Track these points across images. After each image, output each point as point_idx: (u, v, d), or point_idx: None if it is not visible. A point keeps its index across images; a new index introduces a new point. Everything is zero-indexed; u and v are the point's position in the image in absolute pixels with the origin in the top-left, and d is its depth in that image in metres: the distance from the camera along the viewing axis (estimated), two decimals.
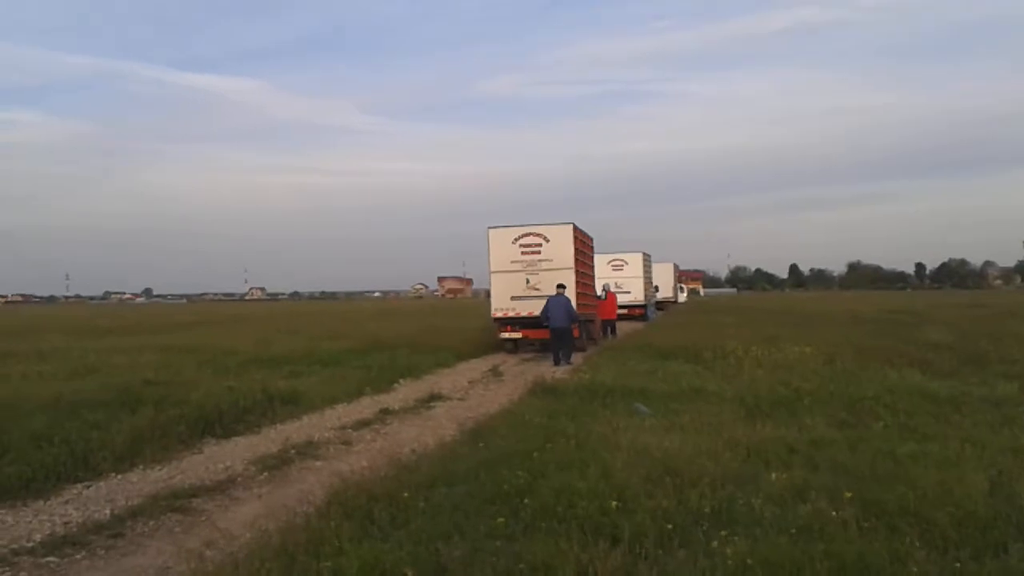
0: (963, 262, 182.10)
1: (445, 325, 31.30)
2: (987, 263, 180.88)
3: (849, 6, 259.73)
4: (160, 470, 8.38)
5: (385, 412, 11.82)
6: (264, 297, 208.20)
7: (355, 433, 10.30)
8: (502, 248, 21.19)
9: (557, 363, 18.39)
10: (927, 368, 14.04)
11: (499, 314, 21.23)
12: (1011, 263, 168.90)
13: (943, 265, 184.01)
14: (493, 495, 5.68)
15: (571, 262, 20.91)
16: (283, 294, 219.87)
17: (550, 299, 19.14)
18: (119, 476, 8.10)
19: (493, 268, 21.33)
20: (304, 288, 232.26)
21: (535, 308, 20.46)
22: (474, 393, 14.10)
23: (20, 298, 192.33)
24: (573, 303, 19.61)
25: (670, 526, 5.01)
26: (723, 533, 4.99)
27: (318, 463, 8.63)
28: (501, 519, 5.02)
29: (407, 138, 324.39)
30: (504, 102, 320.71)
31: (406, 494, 5.84)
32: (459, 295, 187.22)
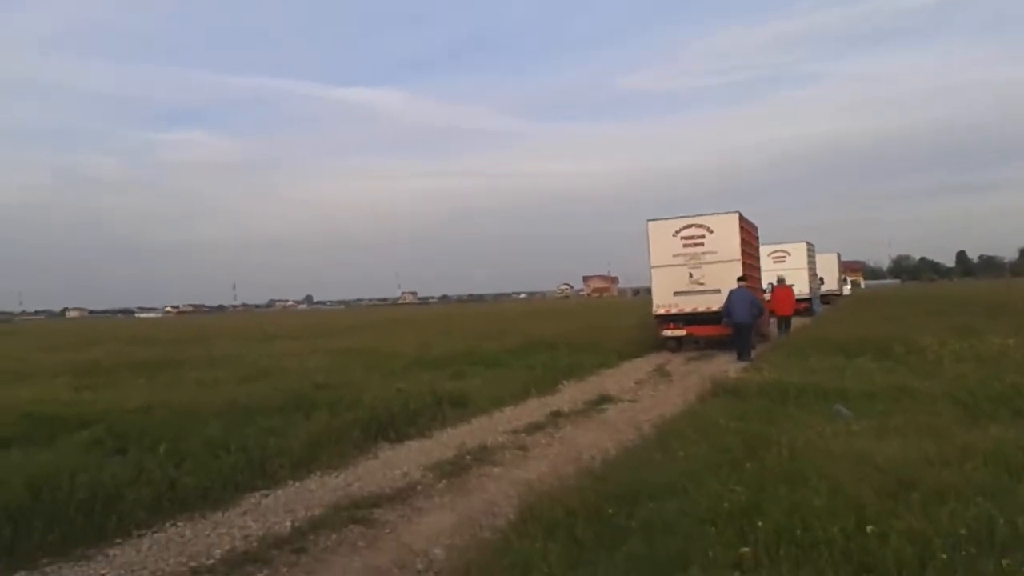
0: None
1: (599, 323, 30.59)
2: None
3: None
4: (337, 476, 8.17)
5: (556, 415, 11.31)
6: (416, 301, 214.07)
7: (528, 437, 9.82)
8: (662, 241, 20.28)
9: (740, 358, 17.59)
10: None
11: (661, 311, 20.33)
12: None
13: None
14: (712, 513, 4.98)
15: (737, 253, 19.75)
16: (433, 298, 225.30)
17: (732, 292, 18.21)
18: (297, 484, 7.93)
19: (653, 263, 20.47)
20: (453, 291, 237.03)
21: (699, 304, 19.54)
22: (644, 394, 13.38)
23: (191, 308, 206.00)
24: None
25: (944, 555, 4.17)
26: (1005, 563, 4.14)
27: (496, 470, 8.19)
28: (746, 548, 4.29)
29: (549, 138, 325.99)
30: (646, 96, 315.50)
31: (611, 510, 5.23)
32: (605, 294, 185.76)
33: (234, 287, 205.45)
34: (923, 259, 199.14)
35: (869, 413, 9.05)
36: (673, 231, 20.17)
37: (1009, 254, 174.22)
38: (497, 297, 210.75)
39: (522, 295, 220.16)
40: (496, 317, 46.59)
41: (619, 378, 15.89)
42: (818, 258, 41.82)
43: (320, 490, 7.66)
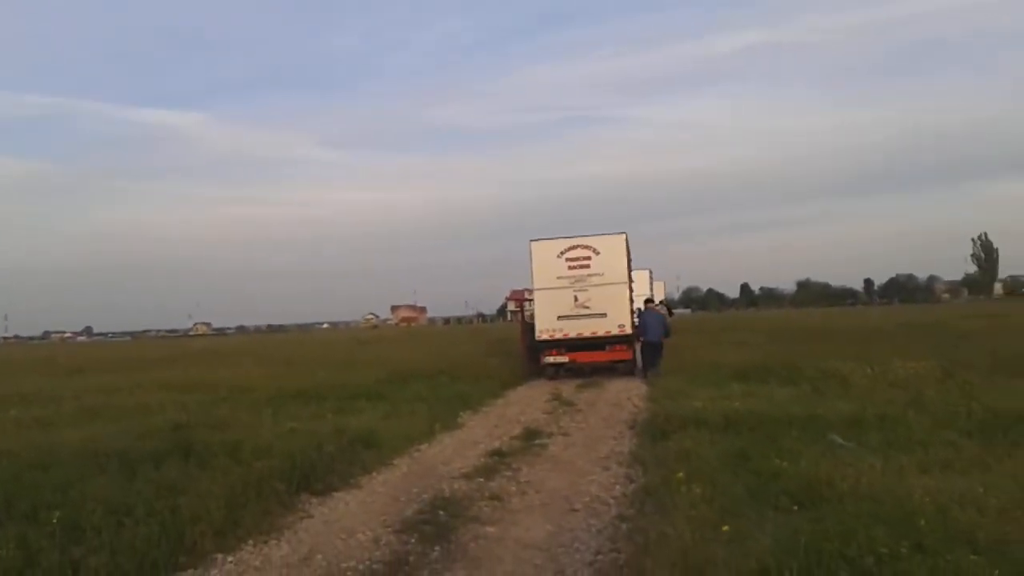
0: (911, 277, 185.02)
1: (448, 352, 29.11)
2: (932, 277, 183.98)
3: (793, 29, 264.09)
4: (279, 546, 6.31)
5: (497, 455, 9.76)
6: (210, 332, 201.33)
7: (491, 483, 8.23)
8: (546, 263, 19.17)
9: (646, 376, 18.05)
10: None
11: (545, 336, 19.12)
12: (956, 277, 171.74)
13: (891, 280, 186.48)
14: None
15: (625, 275, 19.04)
16: (230, 329, 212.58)
17: (644, 313, 18.75)
18: (230, 559, 6.02)
19: (537, 285, 19.31)
20: (250, 322, 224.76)
21: (584, 328, 18.60)
22: (568, 426, 12.07)
23: None
24: (629, 322, 18.15)
25: None
26: None
27: (489, 529, 6.56)
28: None
29: (356, 168, 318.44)
30: (453, 131, 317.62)
31: None
32: (413, 323, 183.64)
33: (5, 318, 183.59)
34: (710, 290, 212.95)
35: (865, 443, 8.27)
36: (558, 252, 19.13)
37: (789, 286, 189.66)
38: (300, 327, 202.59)
39: (325, 325, 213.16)
40: (323, 346, 43.95)
41: (520, 408, 14.57)
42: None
43: (269, 569, 5.75)
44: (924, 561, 4.05)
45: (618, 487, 7.80)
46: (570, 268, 18.99)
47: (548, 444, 10.48)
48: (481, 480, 8.35)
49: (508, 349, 27.09)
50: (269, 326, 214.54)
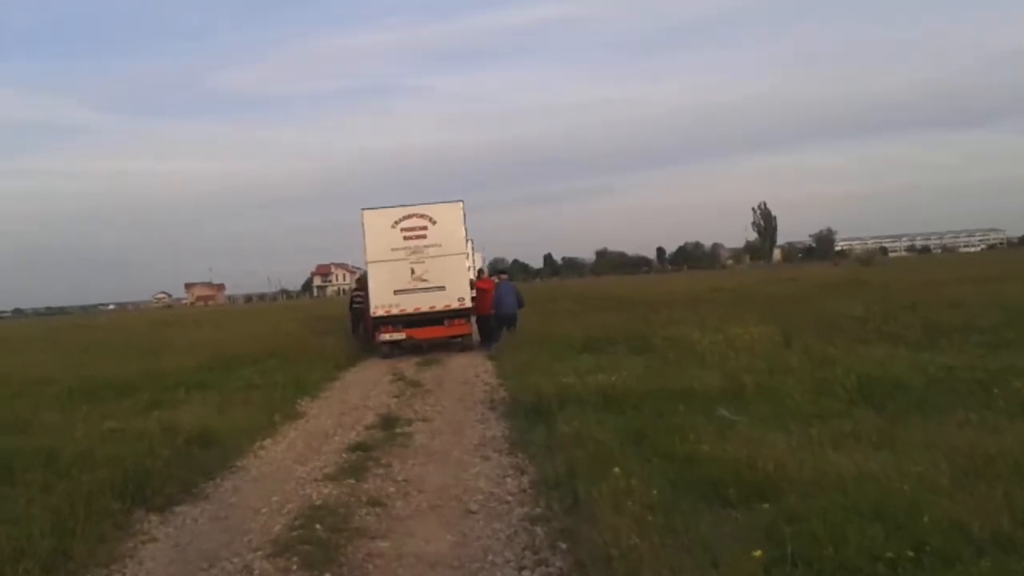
0: (698, 244, 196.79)
1: (267, 332, 27.14)
2: (716, 245, 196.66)
3: (587, 3, 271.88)
4: None
5: (360, 449, 8.72)
6: None
7: (365, 485, 7.22)
8: (380, 233, 17.94)
9: (489, 347, 18.19)
10: (900, 341, 13.05)
11: (380, 311, 17.90)
12: (738, 244, 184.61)
13: (680, 248, 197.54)
14: None
15: (463, 246, 18.23)
16: (5, 312, 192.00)
17: (500, 285, 18.85)
18: None
19: (370, 258, 18.05)
20: (26, 304, 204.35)
21: (423, 303, 17.70)
22: (426, 410, 11.16)
23: None
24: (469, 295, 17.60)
25: None
26: None
27: (381, 543, 5.61)
28: None
29: (136, 135, 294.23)
30: (240, 97, 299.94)
31: None
32: (210, 302, 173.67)
33: None
34: (515, 261, 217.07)
35: (754, 416, 8.02)
36: (392, 222, 17.94)
37: (588, 256, 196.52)
38: (84, 309, 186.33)
39: (111, 306, 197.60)
40: (119, 329, 40.19)
41: (362, 392, 13.53)
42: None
43: None
44: (945, 568, 3.59)
45: (509, 480, 7.04)
46: (406, 239, 17.92)
47: (412, 433, 9.55)
48: (352, 482, 7.31)
49: (331, 327, 25.70)
50: (49, 308, 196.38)
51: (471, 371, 15.28)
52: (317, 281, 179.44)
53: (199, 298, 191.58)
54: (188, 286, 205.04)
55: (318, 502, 6.70)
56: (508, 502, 6.39)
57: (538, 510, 6.05)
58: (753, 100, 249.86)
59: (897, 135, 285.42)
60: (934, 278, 32.96)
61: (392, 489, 7.02)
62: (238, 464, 8.41)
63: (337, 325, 25.70)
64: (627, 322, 19.46)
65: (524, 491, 6.63)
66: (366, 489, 7.04)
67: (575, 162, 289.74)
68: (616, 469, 5.44)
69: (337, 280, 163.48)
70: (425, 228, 17.97)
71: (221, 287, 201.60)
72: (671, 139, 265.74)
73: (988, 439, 6.13)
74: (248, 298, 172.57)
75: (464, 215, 18.33)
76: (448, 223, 18.08)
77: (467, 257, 18.41)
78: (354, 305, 20.97)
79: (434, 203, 18.41)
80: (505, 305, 18.40)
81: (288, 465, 8.27)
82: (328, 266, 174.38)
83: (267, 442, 9.51)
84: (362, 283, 20.12)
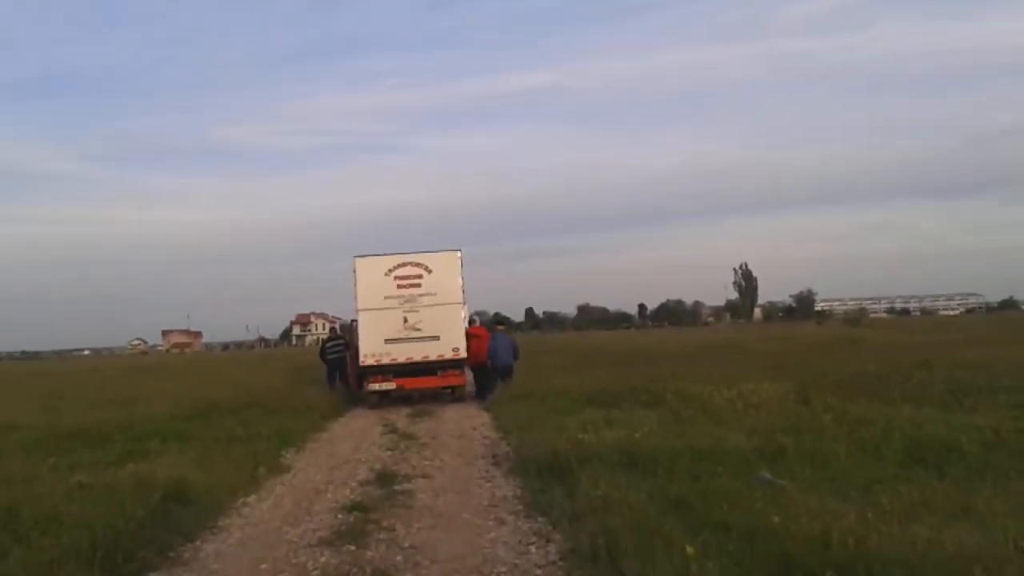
0: (679, 302, 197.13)
1: (249, 381, 26.10)
2: (697, 303, 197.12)
3: (576, 73, 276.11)
4: None
5: (358, 509, 7.85)
6: None
7: (365, 553, 6.34)
8: (373, 281, 17.25)
9: (483, 399, 17.57)
10: (925, 401, 12.38)
11: (370, 361, 17.11)
12: (719, 302, 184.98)
13: (662, 305, 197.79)
14: None
15: (459, 295, 17.54)
16: None
17: (497, 336, 18.71)
18: None
19: (361, 306, 17.30)
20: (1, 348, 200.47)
21: (415, 353, 16.93)
22: (425, 466, 10.30)
23: None
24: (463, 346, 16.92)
25: None
26: None
27: None
28: None
29: (118, 185, 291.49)
30: (240, 150, 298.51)
31: None
32: (186, 349, 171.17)
33: None
34: (496, 313, 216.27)
35: (795, 480, 7.27)
36: (385, 269, 17.26)
37: (569, 310, 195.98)
38: (59, 354, 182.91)
39: (86, 352, 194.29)
40: (92, 374, 38.88)
41: (353, 444, 12.65)
42: None
43: None
44: None
45: (534, 550, 6.20)
46: (399, 287, 17.22)
47: (412, 491, 8.69)
48: (352, 548, 6.45)
49: (313, 376, 24.74)
50: (24, 352, 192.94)
51: (467, 423, 14.47)
52: (296, 330, 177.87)
53: (175, 345, 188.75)
54: (165, 333, 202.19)
55: (315, 573, 5.85)
56: None
57: None
58: (737, 165, 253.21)
59: (879, 202, 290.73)
60: (932, 339, 32.55)
61: (399, 558, 6.16)
62: (219, 524, 7.55)
63: (320, 374, 24.82)
64: (628, 376, 18.80)
65: (554, 563, 5.81)
66: (370, 558, 6.17)
67: (560, 220, 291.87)
68: (689, 548, 4.63)
69: (316, 329, 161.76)
70: (420, 276, 17.33)
71: (198, 334, 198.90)
72: (655, 200, 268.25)
73: None
74: (225, 346, 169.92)
75: (461, 264, 17.69)
76: (444, 272, 17.47)
77: (462, 307, 17.67)
78: (328, 356, 20.44)
79: (430, 252, 17.82)
80: (501, 357, 18.10)
81: (276, 526, 7.40)
82: (308, 315, 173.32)
83: (251, 498, 8.65)
84: (336, 333, 20.64)
